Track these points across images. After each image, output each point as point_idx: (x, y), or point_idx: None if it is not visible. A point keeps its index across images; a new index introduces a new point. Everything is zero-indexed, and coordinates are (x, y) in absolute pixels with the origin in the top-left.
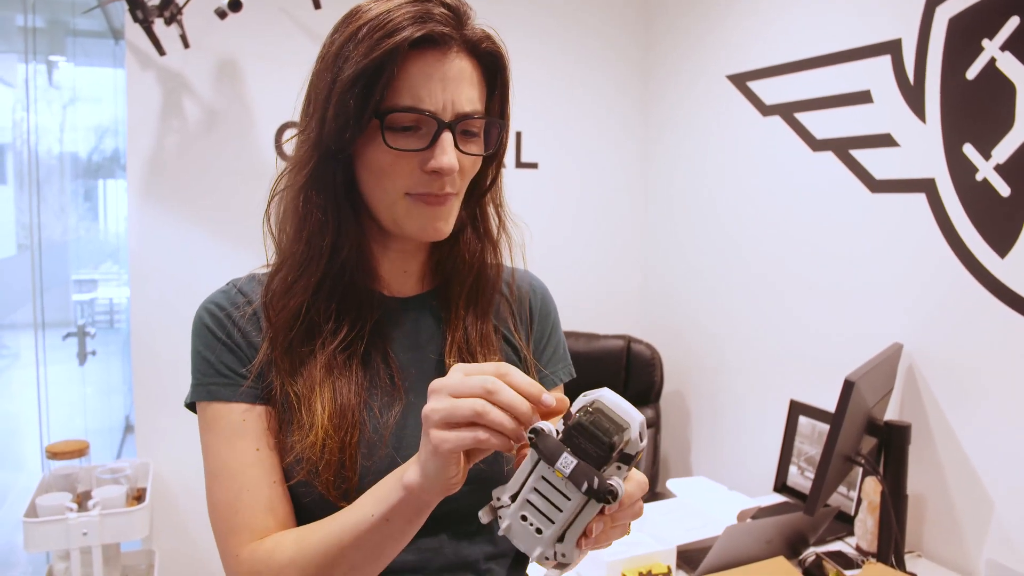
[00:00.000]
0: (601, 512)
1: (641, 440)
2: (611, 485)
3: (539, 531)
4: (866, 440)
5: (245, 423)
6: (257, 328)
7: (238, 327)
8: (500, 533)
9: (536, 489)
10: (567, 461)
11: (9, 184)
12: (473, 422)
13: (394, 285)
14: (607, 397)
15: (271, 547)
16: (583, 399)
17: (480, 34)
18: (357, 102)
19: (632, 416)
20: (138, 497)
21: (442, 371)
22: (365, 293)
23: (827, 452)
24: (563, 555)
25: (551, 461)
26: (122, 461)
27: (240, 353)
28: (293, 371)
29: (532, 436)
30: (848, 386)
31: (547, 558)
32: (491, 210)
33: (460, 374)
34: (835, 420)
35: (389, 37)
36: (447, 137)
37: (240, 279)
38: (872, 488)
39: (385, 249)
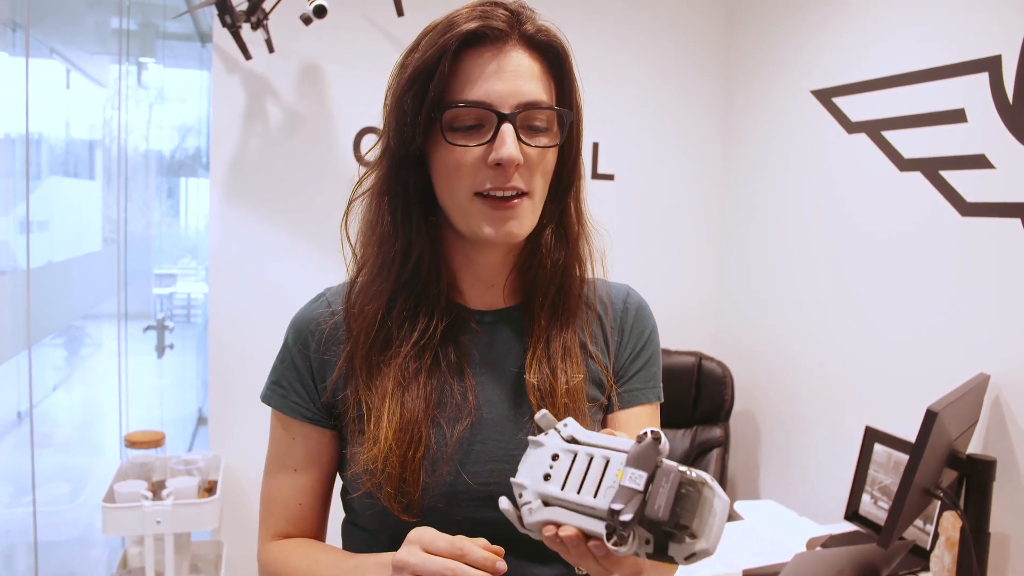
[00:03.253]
0: (592, 539)
1: (684, 561)
2: (626, 531)
3: (547, 477)
4: (946, 473)
5: (294, 442)
6: (337, 341)
7: (318, 342)
8: (529, 438)
9: (591, 458)
10: (637, 477)
11: (97, 180)
12: None
13: (478, 299)
14: (722, 499)
15: (279, 551)
16: (708, 477)
17: (536, 27)
18: (415, 102)
19: (712, 539)
20: (209, 489)
21: (521, 386)
22: (439, 300)
23: (905, 484)
24: (530, 511)
25: (629, 463)
26: (195, 453)
27: (306, 375)
28: (369, 381)
29: (647, 434)
30: (930, 417)
31: (520, 496)
32: (572, 212)
33: (419, 551)
34: (915, 452)
35: (443, 36)
36: (507, 128)
37: (334, 287)
38: (951, 523)
39: (468, 261)
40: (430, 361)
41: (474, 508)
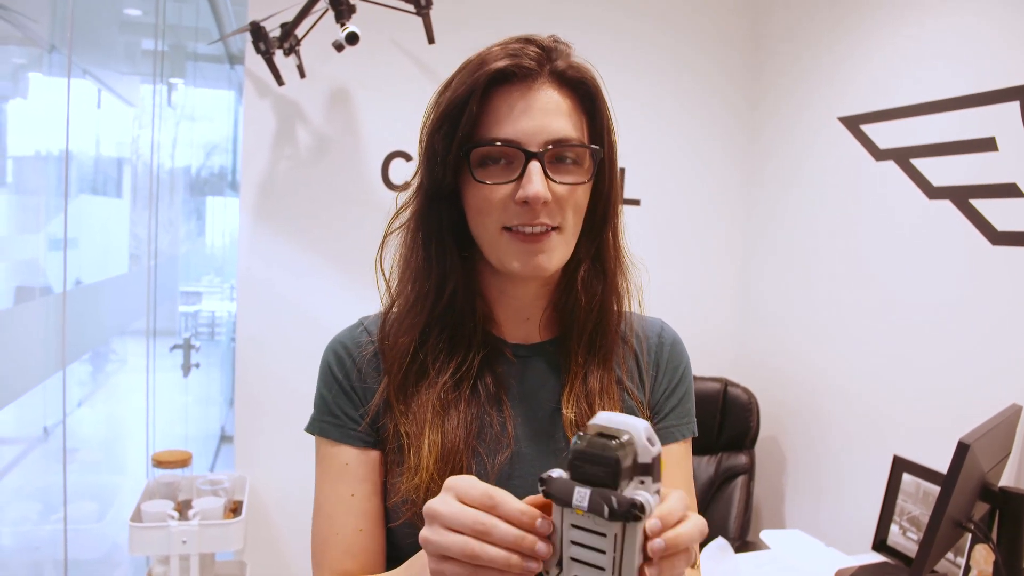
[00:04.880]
0: (646, 537)
1: (652, 445)
2: (633, 499)
3: None
4: (978, 506)
5: (347, 467)
6: (377, 369)
7: (359, 369)
8: None
9: (573, 542)
10: (581, 494)
11: (125, 198)
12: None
13: (514, 332)
14: (599, 416)
15: None
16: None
17: (567, 64)
18: (444, 140)
19: (630, 423)
20: (234, 509)
21: (557, 421)
22: (475, 332)
23: (936, 517)
24: None
25: (566, 502)
26: (221, 474)
27: (355, 398)
28: (406, 410)
29: (543, 486)
30: (962, 449)
31: None
32: (610, 247)
33: (454, 500)
34: (946, 485)
35: (472, 75)
36: (534, 166)
37: (369, 316)
38: (983, 557)
39: (503, 295)
40: (468, 390)
41: None
